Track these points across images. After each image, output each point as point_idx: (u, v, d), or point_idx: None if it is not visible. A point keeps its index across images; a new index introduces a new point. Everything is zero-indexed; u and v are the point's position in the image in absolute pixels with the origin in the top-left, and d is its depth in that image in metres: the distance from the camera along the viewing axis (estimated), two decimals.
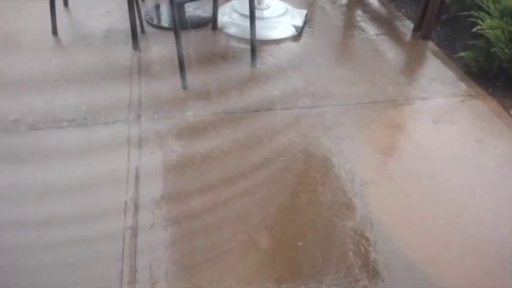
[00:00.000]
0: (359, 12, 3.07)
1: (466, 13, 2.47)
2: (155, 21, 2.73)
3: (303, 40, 2.68)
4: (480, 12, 2.36)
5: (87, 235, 1.44)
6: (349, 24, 2.96)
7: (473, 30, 2.33)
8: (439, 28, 2.81)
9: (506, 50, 2.20)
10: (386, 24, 2.92)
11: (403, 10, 3.09)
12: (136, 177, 1.65)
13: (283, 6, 2.85)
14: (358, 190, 1.66)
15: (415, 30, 2.79)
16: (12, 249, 1.40)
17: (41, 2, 2.53)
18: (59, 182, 1.63)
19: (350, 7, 3.13)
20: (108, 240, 1.43)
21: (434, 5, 2.58)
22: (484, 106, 2.17)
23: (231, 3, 2.85)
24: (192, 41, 2.57)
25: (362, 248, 1.45)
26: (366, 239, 1.48)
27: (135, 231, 1.45)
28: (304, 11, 2.87)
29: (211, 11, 2.67)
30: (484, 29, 2.27)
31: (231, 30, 2.67)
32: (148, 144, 1.81)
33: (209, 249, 1.43)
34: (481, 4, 2.36)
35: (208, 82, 2.22)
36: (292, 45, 2.63)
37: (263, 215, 1.55)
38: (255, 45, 2.35)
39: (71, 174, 1.66)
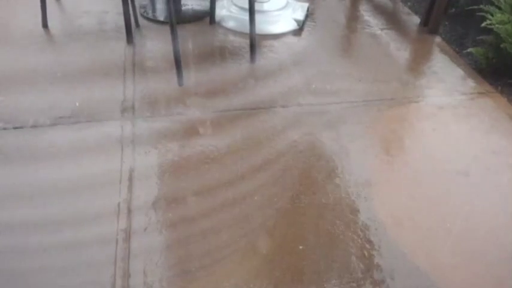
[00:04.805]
0: (363, 5, 3.07)
1: (475, 7, 2.48)
2: (150, 15, 2.73)
3: (304, 35, 2.67)
4: (490, 7, 2.36)
5: (79, 238, 1.44)
6: (353, 18, 2.95)
7: (483, 25, 2.33)
8: (447, 23, 2.81)
9: None
10: (391, 19, 2.92)
11: (409, 4, 3.09)
12: (130, 178, 1.65)
13: None
14: (362, 192, 1.66)
15: (422, 24, 2.79)
16: (1, 253, 1.40)
17: None
18: (49, 183, 1.62)
19: (354, 0, 3.13)
20: (100, 243, 1.43)
21: None
22: (493, 104, 2.17)
23: None
24: (188, 35, 2.57)
25: (365, 252, 1.45)
26: (370, 242, 1.48)
27: (128, 234, 1.45)
28: (306, 4, 2.87)
29: (208, 4, 2.67)
30: (493, 24, 2.27)
31: (230, 24, 2.66)
32: (143, 144, 1.80)
33: (206, 253, 1.42)
34: None
35: (205, 79, 2.22)
36: (293, 40, 2.62)
37: (262, 217, 1.55)
38: (254, 40, 2.35)
39: (61, 174, 1.66)
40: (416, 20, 2.87)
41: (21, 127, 1.86)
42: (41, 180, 1.63)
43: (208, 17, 2.69)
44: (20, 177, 1.64)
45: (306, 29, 2.72)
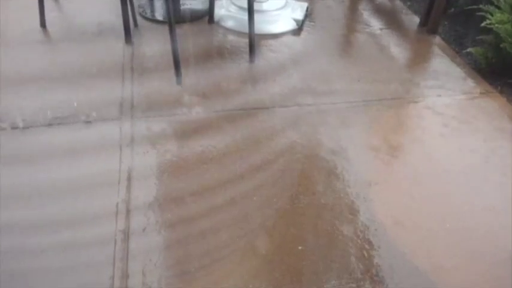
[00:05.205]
0: (362, 5, 3.07)
1: (475, 7, 2.48)
2: (149, 14, 2.73)
3: (303, 34, 2.67)
4: (489, 6, 2.37)
5: (77, 239, 1.44)
6: (352, 18, 2.96)
7: (482, 25, 2.33)
8: (446, 22, 2.81)
9: None
10: (391, 18, 2.92)
11: (408, 3, 3.09)
12: (129, 178, 1.65)
13: None
14: (361, 192, 1.66)
15: (421, 24, 2.79)
16: None
17: None
18: (47, 183, 1.62)
19: (353, 0, 3.13)
20: (99, 244, 1.43)
21: None
22: (493, 104, 2.17)
23: None
24: (187, 35, 2.56)
25: (365, 253, 1.45)
26: (369, 243, 1.48)
27: (127, 235, 1.45)
28: (305, 4, 2.87)
29: (207, 4, 2.67)
30: (493, 24, 2.27)
31: (229, 23, 2.66)
32: (141, 144, 1.80)
33: (205, 254, 1.42)
34: None
35: (204, 78, 2.22)
36: (292, 39, 2.62)
37: (262, 218, 1.55)
38: (253, 40, 2.35)
39: (60, 175, 1.65)
40: (415, 19, 2.87)
41: (19, 127, 1.85)
42: (39, 180, 1.63)
43: (207, 16, 2.69)
44: (18, 178, 1.64)
45: (305, 28, 2.72)
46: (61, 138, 1.83)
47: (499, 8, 2.32)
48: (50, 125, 1.87)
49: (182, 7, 2.79)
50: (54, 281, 1.33)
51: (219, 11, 2.72)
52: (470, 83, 2.32)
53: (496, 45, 2.31)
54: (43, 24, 2.51)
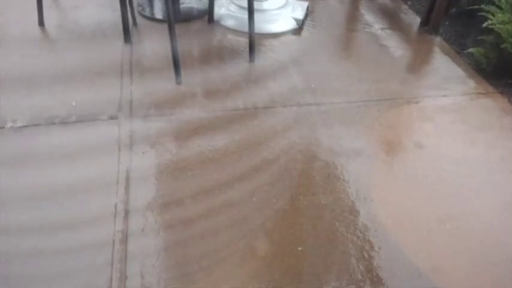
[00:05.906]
0: (363, 5, 3.07)
1: (476, 7, 2.48)
2: (148, 13, 2.73)
3: (304, 34, 2.68)
4: (491, 6, 2.37)
5: (75, 241, 1.43)
6: (353, 18, 2.96)
7: (484, 25, 2.34)
8: (447, 23, 2.82)
9: None
10: (391, 18, 2.93)
11: (409, 3, 3.09)
12: (127, 179, 1.64)
13: None
14: (361, 192, 1.66)
15: (422, 24, 2.79)
16: None
17: None
18: (44, 185, 1.62)
19: None
20: (97, 245, 1.43)
21: None
22: (494, 105, 2.17)
23: None
24: (187, 34, 2.56)
25: (365, 254, 1.45)
26: (369, 244, 1.48)
27: (125, 236, 1.45)
28: (306, 3, 2.87)
29: (207, 3, 2.67)
30: (494, 24, 2.27)
31: (229, 23, 2.66)
32: (140, 144, 1.80)
33: (204, 255, 1.42)
34: None
35: (203, 78, 2.22)
36: (292, 39, 2.63)
37: (261, 219, 1.55)
38: (253, 39, 2.35)
39: (57, 175, 1.65)
40: (416, 19, 2.88)
41: (16, 127, 1.85)
42: (37, 181, 1.63)
43: (207, 15, 2.69)
44: (15, 179, 1.64)
45: (305, 28, 2.73)
46: (59, 138, 1.83)
47: (500, 8, 2.32)
48: (47, 124, 1.87)
49: (182, 6, 2.79)
50: (52, 282, 1.33)
51: (219, 10, 2.72)
52: (471, 84, 2.32)
53: (497, 46, 2.31)
54: (41, 23, 2.51)
